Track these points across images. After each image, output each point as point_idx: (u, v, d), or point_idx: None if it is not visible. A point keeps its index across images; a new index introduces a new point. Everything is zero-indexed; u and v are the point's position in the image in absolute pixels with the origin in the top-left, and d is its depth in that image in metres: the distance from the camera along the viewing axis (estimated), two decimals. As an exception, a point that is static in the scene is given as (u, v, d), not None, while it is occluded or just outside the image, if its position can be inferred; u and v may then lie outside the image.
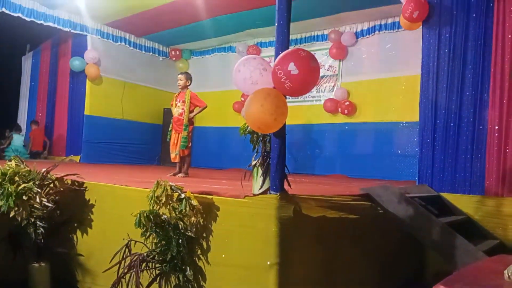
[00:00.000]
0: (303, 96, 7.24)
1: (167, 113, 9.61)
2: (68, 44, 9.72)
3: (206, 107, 6.01)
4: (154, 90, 10.66)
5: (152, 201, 3.05)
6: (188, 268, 3.06)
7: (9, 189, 3.51)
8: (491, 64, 4.52)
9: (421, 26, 5.14)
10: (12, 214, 3.53)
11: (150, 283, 3.11)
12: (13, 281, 3.85)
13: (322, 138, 9.01)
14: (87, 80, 9.29)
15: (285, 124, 2.87)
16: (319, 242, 3.24)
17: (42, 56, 10.36)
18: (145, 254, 3.07)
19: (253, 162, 3.07)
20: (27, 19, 8.04)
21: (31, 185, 3.63)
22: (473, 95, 4.62)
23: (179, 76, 6.01)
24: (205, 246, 3.11)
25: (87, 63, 9.20)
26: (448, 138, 4.76)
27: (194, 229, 3.06)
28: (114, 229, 3.66)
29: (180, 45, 10.90)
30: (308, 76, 2.78)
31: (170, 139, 5.96)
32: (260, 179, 2.99)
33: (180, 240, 3.01)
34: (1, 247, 3.75)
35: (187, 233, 3.03)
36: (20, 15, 7.90)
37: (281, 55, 2.80)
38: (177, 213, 3.03)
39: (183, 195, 3.03)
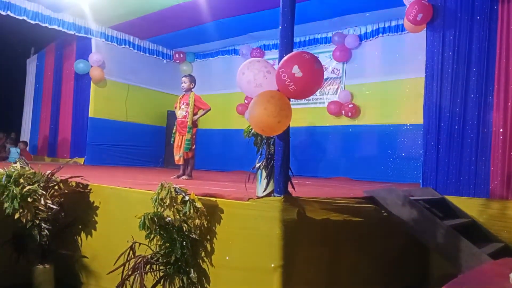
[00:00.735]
0: (307, 98, 7.23)
1: (171, 115, 9.63)
2: (73, 47, 9.76)
3: (210, 109, 6.02)
4: (158, 92, 10.69)
5: (156, 203, 3.06)
6: (192, 270, 3.06)
7: (14, 191, 3.52)
8: (495, 67, 4.51)
9: (425, 29, 5.13)
10: (17, 216, 3.54)
11: (154, 285, 3.11)
12: (18, 283, 3.86)
13: (325, 140, 9.00)
14: (91, 83, 9.33)
15: (289, 126, 2.87)
16: (323, 245, 3.24)
17: (46, 59, 10.41)
18: (149, 256, 3.08)
19: (257, 165, 3.07)
20: (32, 22, 8.09)
21: (36, 187, 3.64)
22: (478, 98, 4.61)
23: (183, 78, 6.03)
24: (209, 248, 3.11)
25: (91, 66, 9.24)
26: (452, 141, 4.75)
27: (198, 231, 3.06)
28: (118, 231, 3.67)
29: (184, 47, 10.93)
30: (312, 78, 2.78)
31: (174, 141, 5.97)
32: (264, 182, 3.00)
33: (184, 242, 3.01)
34: (6, 249, 3.76)
35: (191, 235, 3.03)
36: (25, 18, 7.95)
37: (285, 57, 2.81)
38: (181, 215, 3.03)
39: (187, 198, 3.03)
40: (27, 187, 3.58)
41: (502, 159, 4.38)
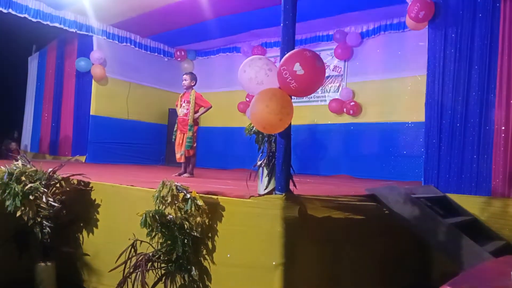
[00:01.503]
0: (308, 96, 7.24)
1: (172, 113, 9.63)
2: (74, 45, 9.76)
3: (211, 107, 6.02)
4: (159, 90, 10.68)
5: (158, 201, 3.06)
6: (193, 268, 3.06)
7: (16, 189, 3.53)
8: (497, 65, 4.50)
9: (427, 26, 5.12)
10: (18, 213, 3.55)
11: (156, 283, 3.11)
12: (19, 280, 3.88)
13: (327, 138, 9.00)
14: (92, 81, 9.33)
15: (290, 124, 2.87)
16: (324, 243, 3.24)
17: (48, 57, 10.41)
18: (150, 254, 3.08)
19: (259, 163, 3.07)
20: (33, 20, 8.08)
21: (37, 185, 3.65)
22: (479, 96, 4.59)
23: (184, 76, 6.02)
24: (210, 246, 3.12)
25: (92, 64, 9.24)
26: (454, 139, 4.74)
27: (199, 229, 3.07)
28: (119, 229, 3.68)
29: (185, 45, 10.91)
30: (313, 76, 2.78)
31: (175, 139, 5.97)
32: (266, 180, 3.00)
33: (186, 240, 3.02)
34: (8, 247, 3.77)
35: (192, 233, 3.04)
36: (26, 16, 7.94)
37: (286, 55, 2.80)
38: (182, 213, 3.04)
39: (188, 195, 3.04)
40: (29, 185, 3.59)
41: (504, 157, 4.37)
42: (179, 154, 5.89)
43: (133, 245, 3.20)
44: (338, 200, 3.47)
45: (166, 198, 3.05)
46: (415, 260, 4.61)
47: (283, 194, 2.87)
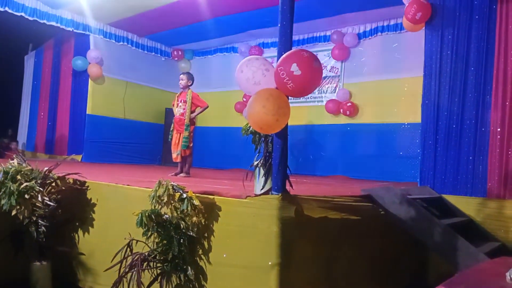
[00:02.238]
0: (305, 96, 7.25)
1: (169, 113, 9.62)
2: (71, 44, 9.73)
3: (207, 107, 6.02)
4: (156, 90, 10.67)
5: (154, 201, 3.06)
6: (189, 268, 3.06)
7: (11, 188, 3.52)
8: (493, 66, 4.52)
9: (423, 28, 5.13)
10: (14, 212, 3.54)
11: (151, 283, 3.11)
12: (15, 280, 3.86)
13: (324, 139, 9.01)
14: (89, 80, 9.31)
15: (287, 124, 2.87)
16: (321, 243, 3.25)
17: (44, 56, 10.38)
18: (146, 254, 3.08)
19: (255, 163, 3.07)
20: (30, 18, 8.05)
21: (33, 184, 3.64)
22: (476, 97, 4.61)
23: (181, 76, 6.01)
24: (206, 246, 3.12)
25: (89, 63, 9.21)
26: (450, 140, 4.75)
27: (195, 229, 3.07)
28: (115, 229, 3.67)
29: (182, 45, 10.91)
30: (310, 77, 2.78)
31: (171, 139, 5.96)
32: (262, 180, 3.00)
33: (182, 239, 3.02)
34: (3, 246, 3.76)
35: (188, 233, 3.04)
36: (23, 14, 7.91)
37: (283, 55, 2.81)
38: (178, 212, 3.04)
39: (185, 195, 3.04)
40: (24, 184, 3.58)
41: (500, 158, 4.39)
42: (176, 153, 5.88)
43: (129, 245, 3.19)
44: (334, 200, 3.48)
45: (162, 198, 3.05)
46: (411, 261, 4.62)
47: (280, 194, 2.87)
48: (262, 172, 3.01)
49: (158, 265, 3.09)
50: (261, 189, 2.98)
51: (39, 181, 3.75)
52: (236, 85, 3.13)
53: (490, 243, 4.10)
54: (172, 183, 3.11)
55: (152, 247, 3.12)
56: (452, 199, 4.61)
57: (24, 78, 10.77)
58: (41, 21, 8.26)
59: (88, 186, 4.07)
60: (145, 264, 3.06)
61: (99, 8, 8.33)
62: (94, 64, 9.21)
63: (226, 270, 3.02)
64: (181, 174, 5.89)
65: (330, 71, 9.02)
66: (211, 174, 7.01)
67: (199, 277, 3.11)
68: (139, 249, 3.16)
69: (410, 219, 3.78)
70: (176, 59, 11.14)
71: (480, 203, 4.46)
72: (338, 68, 8.96)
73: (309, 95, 7.68)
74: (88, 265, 3.94)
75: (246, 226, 2.96)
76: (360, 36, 8.61)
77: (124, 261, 3.15)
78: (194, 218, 3.05)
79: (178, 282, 3.09)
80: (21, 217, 3.58)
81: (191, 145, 5.93)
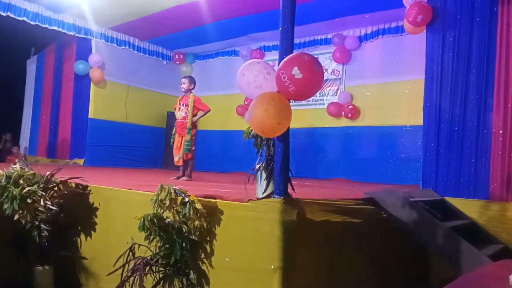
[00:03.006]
0: (307, 100, 7.25)
1: (171, 116, 9.62)
2: (73, 48, 9.76)
3: (209, 110, 6.02)
4: (158, 93, 10.69)
5: (156, 205, 3.06)
6: (191, 272, 3.05)
7: (14, 192, 3.52)
8: (495, 68, 4.52)
9: (424, 30, 5.14)
10: (16, 217, 3.54)
11: (154, 287, 3.10)
12: (17, 284, 3.86)
13: (325, 142, 9.00)
14: (91, 84, 9.33)
15: (289, 128, 2.87)
16: (323, 246, 3.24)
17: (46, 60, 10.41)
18: (148, 258, 3.07)
19: (257, 166, 3.06)
20: (32, 23, 8.07)
21: (35, 188, 3.64)
22: (477, 99, 4.61)
23: (183, 79, 6.03)
24: (208, 249, 3.11)
25: (91, 67, 9.24)
26: (452, 142, 4.75)
27: (197, 233, 3.06)
28: (118, 233, 3.67)
29: (184, 49, 10.93)
30: (312, 80, 2.78)
31: (173, 142, 5.97)
32: (264, 183, 2.99)
33: (184, 243, 3.01)
34: (5, 250, 3.76)
35: (190, 237, 3.03)
36: (25, 19, 7.93)
37: (285, 59, 2.81)
38: (181, 216, 3.03)
39: (187, 199, 3.03)
40: (27, 188, 3.58)
41: (502, 160, 4.38)
42: (178, 157, 5.89)
43: (131, 249, 3.19)
44: (336, 203, 3.47)
45: (164, 202, 3.04)
46: (414, 264, 4.61)
47: (282, 197, 2.87)
48: (264, 175, 3.01)
49: (161, 269, 3.09)
50: (263, 192, 2.98)
51: (41, 186, 3.75)
52: (238, 88, 3.14)
53: (493, 245, 4.09)
54: (174, 187, 3.11)
55: (154, 251, 3.12)
56: (454, 201, 4.61)
57: (26, 83, 10.79)
58: (43, 26, 8.28)
59: (90, 190, 4.07)
60: (148, 268, 3.06)
61: (100, 13, 8.36)
62: (96, 68, 9.24)
63: (229, 274, 3.02)
64: (183, 178, 5.90)
65: (331, 74, 9.03)
66: (213, 178, 7.00)
67: (201, 281, 3.11)
68: (141, 253, 3.15)
69: (412, 222, 3.77)
70: (177, 62, 11.16)
71: (482, 205, 4.45)
72: (339, 71, 8.97)
73: (311, 98, 7.68)
74: (91, 269, 3.94)
75: (248, 230, 2.96)
76: (361, 39, 8.61)
77: (127, 265, 3.14)
78: (196, 222, 3.05)
79: (181, 286, 3.08)
80: (23, 222, 3.58)
81: (193, 148, 5.94)
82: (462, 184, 4.64)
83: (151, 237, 3.05)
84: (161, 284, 3.08)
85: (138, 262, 3.04)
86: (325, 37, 9.13)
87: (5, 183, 3.60)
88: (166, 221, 3.05)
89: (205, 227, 3.10)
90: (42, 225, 3.66)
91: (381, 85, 8.28)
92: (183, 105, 5.94)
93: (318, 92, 8.46)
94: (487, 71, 4.56)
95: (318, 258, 3.17)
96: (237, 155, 9.75)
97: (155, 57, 10.65)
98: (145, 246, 3.13)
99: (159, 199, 3.05)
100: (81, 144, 9.36)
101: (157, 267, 3.08)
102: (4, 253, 3.75)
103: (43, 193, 3.70)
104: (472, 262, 3.42)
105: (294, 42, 3.09)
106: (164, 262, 3.05)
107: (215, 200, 3.16)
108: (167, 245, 3.04)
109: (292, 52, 2.90)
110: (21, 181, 3.63)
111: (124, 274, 3.11)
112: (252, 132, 3.11)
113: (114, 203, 3.89)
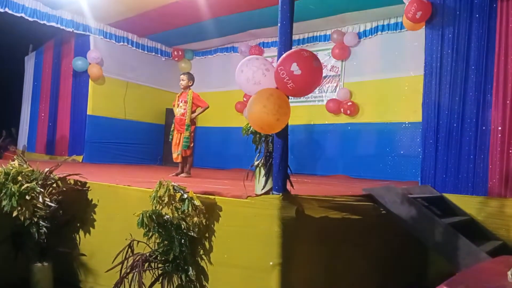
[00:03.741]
0: (306, 96, 7.26)
1: (169, 113, 9.61)
2: (71, 44, 9.72)
3: (208, 107, 6.01)
4: (157, 90, 10.66)
5: (155, 201, 3.06)
6: (190, 268, 3.06)
7: (12, 189, 3.52)
8: (494, 65, 4.51)
9: (424, 27, 5.13)
10: (15, 214, 3.54)
11: (153, 283, 3.11)
12: (16, 281, 3.86)
13: (324, 138, 9.00)
14: (89, 80, 9.30)
15: (287, 124, 2.87)
16: (322, 243, 3.24)
17: (44, 56, 10.38)
18: (147, 254, 3.08)
19: (256, 163, 3.06)
20: (30, 19, 8.04)
21: (34, 185, 3.64)
22: (476, 96, 4.61)
23: (181, 76, 6.02)
24: (207, 246, 3.12)
25: (89, 63, 9.21)
26: (451, 139, 4.75)
27: (196, 229, 3.07)
28: (116, 229, 3.67)
29: (182, 45, 10.90)
30: (310, 76, 2.78)
31: (172, 139, 5.97)
32: (263, 180, 2.99)
33: (183, 240, 3.02)
34: (4, 247, 3.76)
35: (189, 233, 3.04)
36: (23, 15, 7.90)
37: (284, 55, 2.80)
38: (179, 213, 3.04)
39: (185, 195, 3.03)
40: (25, 185, 3.58)
41: (501, 157, 4.38)
42: (176, 154, 5.88)
43: (130, 245, 3.19)
44: (335, 200, 3.47)
45: (163, 198, 3.05)
46: (412, 260, 4.62)
47: (280, 194, 2.87)
48: (262, 172, 3.01)
49: (159, 265, 3.09)
50: (262, 189, 2.98)
51: (40, 182, 3.75)
52: (237, 85, 3.13)
53: (491, 242, 4.10)
54: (173, 183, 3.11)
55: (153, 248, 3.12)
56: (453, 198, 4.61)
57: (24, 79, 10.76)
58: (41, 22, 8.24)
59: (89, 187, 4.07)
60: (146, 264, 3.06)
61: (99, 9, 8.33)
62: (94, 65, 9.21)
63: (227, 270, 3.02)
64: (182, 174, 5.89)
65: (330, 70, 9.01)
66: (212, 174, 7.00)
67: (200, 277, 3.11)
68: (140, 250, 3.16)
69: (411, 218, 3.77)
70: (176, 59, 11.13)
71: (481, 202, 4.46)
72: (338, 67, 8.95)
73: (310, 95, 7.66)
74: (89, 266, 3.95)
75: (247, 226, 2.96)
76: (360, 35, 8.59)
77: (125, 261, 3.15)
78: (195, 219, 3.05)
79: (180, 282, 3.09)
80: (22, 218, 3.58)
81: (192, 145, 5.93)
82: (460, 180, 4.64)
83: (150, 234, 3.05)
84: (160, 280, 3.09)
85: (137, 258, 3.05)
86: (324, 33, 9.10)
87: (3, 180, 3.59)
88: (165, 217, 3.05)
89: (204, 223, 3.11)
90: (40, 221, 3.66)
91: (380, 82, 8.26)
92: (182, 101, 5.93)
93: (317, 88, 8.57)
94: (486, 67, 4.56)
95: (316, 254, 3.17)
96: (236, 152, 9.74)
97: (153, 53, 10.62)
98: (144, 242, 3.14)
99: (158, 195, 3.06)
100: (79, 140, 9.34)
101: (156, 264, 3.09)
102: (3, 250, 3.75)
103: (42, 190, 3.70)
104: (470, 258, 3.43)
105: (293, 39, 3.08)
106: (163, 258, 3.05)
107: (214, 197, 3.16)
108: (166, 242, 3.04)
109: (291, 49, 2.89)
110: (19, 178, 3.63)
111: (123, 270, 3.12)
112: (251, 129, 3.10)
113: (113, 200, 3.89)
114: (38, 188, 3.66)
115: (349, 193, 3.92)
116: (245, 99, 9.74)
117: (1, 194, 3.55)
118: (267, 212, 2.86)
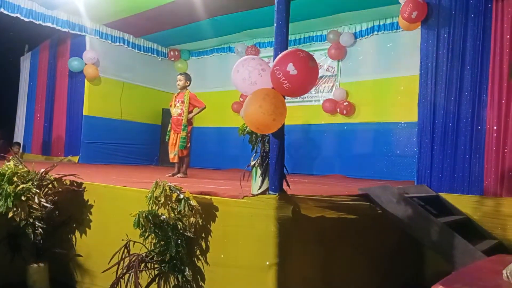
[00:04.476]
0: (302, 96, 7.27)
1: (166, 113, 9.61)
2: (67, 45, 9.70)
3: (205, 107, 6.02)
4: (153, 90, 10.65)
5: (151, 202, 3.05)
6: (187, 269, 3.05)
7: (8, 190, 3.50)
8: (489, 65, 4.53)
9: (419, 27, 5.14)
10: (10, 214, 3.52)
11: (149, 284, 3.10)
12: (12, 282, 3.85)
13: (320, 138, 9.01)
14: (85, 81, 9.28)
15: (284, 124, 2.87)
16: (318, 243, 3.25)
17: (40, 57, 10.34)
18: (144, 255, 3.07)
19: (252, 163, 3.07)
20: (26, 19, 8.02)
21: (29, 185, 3.62)
22: (472, 96, 4.62)
23: (179, 76, 6.01)
24: (204, 246, 3.11)
25: (85, 64, 9.19)
26: (446, 138, 4.77)
27: (193, 230, 3.06)
28: (113, 230, 3.66)
29: (179, 45, 10.89)
30: (306, 76, 2.78)
31: (169, 139, 5.96)
32: (259, 180, 3.00)
33: (179, 240, 3.01)
34: (0, 248, 3.74)
35: (186, 234, 3.03)
36: (18, 15, 7.88)
37: (280, 55, 2.80)
38: (176, 213, 3.03)
39: (182, 196, 3.03)
40: (21, 186, 3.56)
41: (496, 156, 4.40)
42: (173, 154, 5.88)
43: (126, 246, 3.19)
44: (331, 200, 3.48)
45: (159, 199, 3.04)
46: (408, 260, 4.63)
47: (277, 194, 2.87)
48: (259, 172, 3.01)
49: (156, 266, 3.09)
50: (258, 189, 2.98)
51: (35, 183, 3.73)
52: (233, 85, 3.13)
53: (487, 241, 4.12)
54: (169, 183, 3.11)
55: (149, 248, 3.12)
56: (449, 197, 4.63)
57: (20, 80, 10.71)
58: (37, 22, 8.22)
59: (85, 188, 4.06)
60: (143, 265, 3.05)
61: (95, 9, 8.31)
62: (90, 65, 9.19)
63: (224, 271, 3.02)
64: (179, 175, 5.89)
65: (326, 70, 9.03)
66: (208, 175, 7.00)
67: (197, 277, 3.11)
68: (136, 250, 3.15)
69: (407, 218, 3.78)
70: (172, 59, 11.12)
71: (477, 201, 4.48)
72: (334, 67, 8.97)
73: (306, 95, 7.68)
74: (86, 267, 3.94)
75: (244, 226, 2.96)
76: (356, 35, 8.62)
77: (122, 262, 3.14)
78: (192, 219, 3.05)
79: (176, 283, 3.08)
80: (17, 219, 3.56)
81: (189, 145, 5.93)
82: (456, 180, 4.66)
83: (146, 234, 3.04)
84: (157, 281, 3.08)
85: (133, 259, 3.04)
86: (320, 33, 9.12)
87: (-1, 181, 3.58)
88: (161, 218, 3.04)
89: (201, 223, 3.10)
90: (36, 222, 3.65)
91: (376, 82, 8.29)
92: (178, 102, 5.93)
93: (313, 88, 8.58)
94: (482, 67, 4.58)
95: (313, 254, 3.18)
96: (233, 152, 9.74)
97: (150, 53, 10.61)
98: (140, 243, 3.13)
99: (154, 196, 3.05)
100: (75, 141, 9.32)
101: (152, 264, 3.08)
102: (-1, 251, 3.74)
103: (38, 191, 3.68)
104: (466, 257, 3.44)
105: (290, 39, 3.08)
106: (159, 259, 3.05)
107: (210, 197, 3.16)
108: (162, 242, 3.04)
109: (287, 49, 2.90)
110: (15, 179, 3.61)
111: (119, 271, 3.11)
112: (247, 129, 3.10)
113: (109, 200, 3.88)
114: (34, 189, 3.64)
115: (345, 192, 3.93)
116: (241, 99, 9.74)
117: (-3, 195, 3.54)
118: (264, 212, 2.86)
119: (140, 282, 2.97)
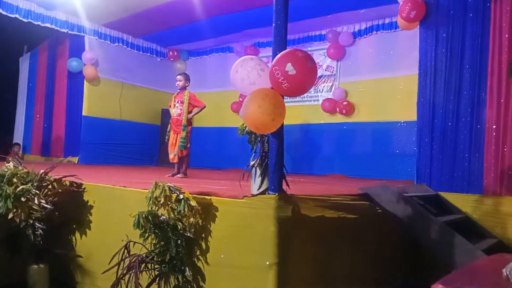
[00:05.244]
0: (301, 96, 7.26)
1: (165, 113, 9.60)
2: (66, 45, 9.69)
3: (204, 107, 6.01)
4: (152, 90, 10.64)
5: (151, 202, 3.05)
6: (187, 269, 3.05)
7: (8, 191, 3.50)
8: (488, 64, 4.54)
9: (418, 26, 5.15)
10: (10, 216, 3.52)
11: (149, 284, 3.10)
12: (12, 283, 3.84)
13: (320, 138, 9.02)
14: (84, 81, 9.26)
15: (283, 124, 2.87)
16: (318, 242, 3.25)
17: (39, 57, 10.33)
18: (144, 255, 3.07)
19: (252, 163, 3.07)
20: (24, 20, 8.00)
21: (29, 186, 3.62)
22: (471, 95, 4.63)
23: (178, 77, 6.01)
24: (204, 246, 3.11)
25: (84, 64, 9.18)
26: (446, 138, 4.77)
27: (193, 230, 3.06)
28: (112, 230, 3.66)
29: (178, 45, 10.89)
30: (305, 76, 2.78)
31: (168, 139, 5.96)
32: (259, 180, 3.00)
33: (179, 240, 3.01)
34: (0, 249, 3.74)
35: (186, 234, 3.03)
36: (17, 16, 7.86)
37: (278, 55, 2.81)
38: (175, 213, 3.03)
39: (181, 196, 3.03)
40: (21, 187, 3.56)
41: (495, 155, 4.41)
42: (173, 154, 5.87)
43: (126, 247, 3.19)
44: (331, 199, 3.48)
45: (159, 199, 3.04)
46: (408, 259, 4.63)
47: (276, 194, 2.87)
48: (258, 172, 3.01)
49: (156, 266, 3.09)
50: (258, 189, 2.99)
51: (35, 184, 3.73)
52: (232, 85, 3.13)
53: (487, 240, 4.13)
54: (168, 184, 3.11)
55: (149, 249, 3.12)
56: (448, 196, 4.63)
57: (19, 80, 10.70)
58: (36, 23, 8.20)
59: (84, 188, 4.06)
60: (143, 265, 3.06)
61: (93, 9, 8.30)
62: (89, 66, 9.18)
63: (224, 271, 3.02)
64: (178, 175, 5.89)
65: (325, 70, 9.03)
66: (208, 175, 7.00)
67: (197, 278, 3.11)
68: (136, 251, 3.15)
69: (407, 217, 3.79)
70: (171, 59, 11.12)
71: (476, 200, 4.48)
72: (333, 67, 8.97)
73: (305, 94, 7.68)
74: (86, 268, 3.93)
75: (243, 226, 2.96)
76: (355, 35, 8.62)
77: (122, 263, 3.14)
78: (191, 219, 3.05)
79: (176, 283, 3.08)
80: (17, 220, 3.56)
81: (188, 145, 5.93)
82: (456, 179, 4.67)
83: (146, 235, 3.04)
84: (157, 281, 3.08)
85: (133, 259, 3.04)
86: (319, 33, 9.12)
87: (-2, 182, 3.58)
88: (161, 218, 3.04)
89: (200, 224, 3.11)
90: (36, 223, 3.65)
91: (375, 81, 8.29)
92: (178, 102, 5.92)
93: (313, 88, 8.58)
94: (480, 66, 4.58)
95: (313, 254, 3.18)
96: (232, 152, 9.74)
97: (149, 54, 10.61)
98: (140, 243, 3.13)
99: (154, 196, 3.05)
100: (75, 142, 9.30)
101: (152, 265, 3.08)
102: (-1, 252, 3.74)
103: (37, 192, 3.68)
104: (466, 256, 3.45)
105: (289, 39, 3.08)
106: (159, 259, 3.05)
107: (210, 197, 3.16)
108: (162, 243, 3.04)
109: (286, 49, 2.90)
110: (14, 180, 3.62)
111: (120, 272, 3.11)
112: (247, 129, 3.11)
113: (108, 201, 3.88)
114: (34, 190, 3.64)
115: (345, 192, 3.93)
116: (241, 99, 9.74)
117: (-4, 196, 3.54)
118: (263, 212, 2.86)
119: (140, 283, 2.97)
